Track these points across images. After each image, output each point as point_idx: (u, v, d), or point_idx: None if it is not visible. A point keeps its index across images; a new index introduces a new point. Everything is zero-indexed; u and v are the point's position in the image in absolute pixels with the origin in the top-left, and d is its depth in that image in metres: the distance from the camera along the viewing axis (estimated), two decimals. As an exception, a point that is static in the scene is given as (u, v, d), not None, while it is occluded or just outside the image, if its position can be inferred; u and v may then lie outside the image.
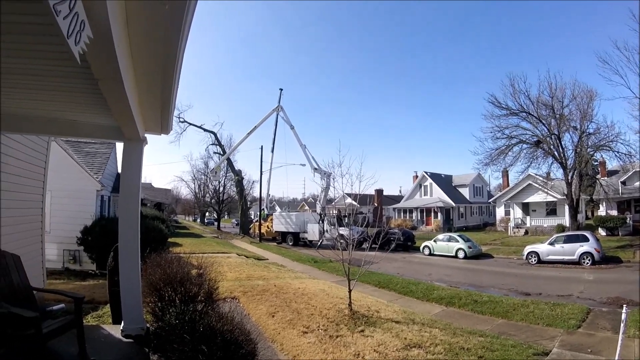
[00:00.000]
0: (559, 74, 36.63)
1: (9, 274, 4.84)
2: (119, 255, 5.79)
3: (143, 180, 6.28)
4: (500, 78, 78.82)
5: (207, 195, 65.71)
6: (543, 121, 28.48)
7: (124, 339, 5.55)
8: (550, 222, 36.43)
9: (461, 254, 24.74)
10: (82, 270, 14.41)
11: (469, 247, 24.81)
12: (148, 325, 5.89)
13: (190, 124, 48.56)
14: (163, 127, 6.10)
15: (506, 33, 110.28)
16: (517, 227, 38.80)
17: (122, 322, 5.70)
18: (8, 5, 2.59)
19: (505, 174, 41.66)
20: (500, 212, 44.31)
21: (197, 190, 67.58)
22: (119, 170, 21.84)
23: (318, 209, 35.19)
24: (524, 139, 29.45)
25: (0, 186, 6.76)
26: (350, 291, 9.02)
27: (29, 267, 5.70)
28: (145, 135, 6.13)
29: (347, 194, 12.01)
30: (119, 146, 19.68)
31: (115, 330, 5.81)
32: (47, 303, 6.47)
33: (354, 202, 13.39)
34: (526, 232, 37.44)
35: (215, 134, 50.79)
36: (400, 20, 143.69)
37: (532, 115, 28.75)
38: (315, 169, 34.62)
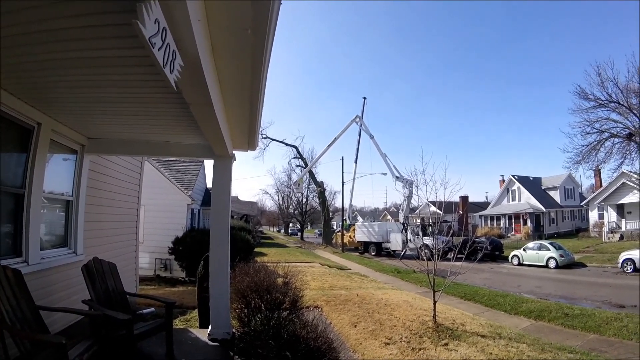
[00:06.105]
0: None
1: (105, 280, 5.36)
2: (209, 264, 6.10)
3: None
4: (584, 67, 68.35)
5: (291, 206, 66.87)
6: (634, 111, 26.01)
7: (210, 343, 5.79)
8: (646, 224, 32.46)
9: (552, 263, 23.11)
10: (172, 277, 15.32)
11: (561, 256, 23.09)
12: (234, 330, 6.14)
13: (273, 139, 49.76)
14: (250, 144, 6.46)
15: (585, 19, 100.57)
16: (612, 232, 34.84)
17: (210, 327, 5.97)
18: (107, 42, 2.91)
19: (597, 172, 38.44)
20: (593, 215, 39.85)
21: (281, 202, 68.85)
22: (208, 186, 23.02)
23: (401, 218, 34.41)
24: (615, 133, 27.14)
25: (77, 202, 7.30)
26: (434, 303, 8.77)
27: (123, 274, 6.24)
28: (234, 152, 6.47)
29: (430, 202, 11.69)
30: (207, 163, 20.85)
31: (202, 334, 6.11)
32: (138, 307, 7.00)
33: (438, 211, 13.00)
34: (621, 237, 33.33)
35: (296, 148, 51.85)
36: (481, 22, 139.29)
37: (622, 105, 26.32)
38: (397, 177, 34.07)
